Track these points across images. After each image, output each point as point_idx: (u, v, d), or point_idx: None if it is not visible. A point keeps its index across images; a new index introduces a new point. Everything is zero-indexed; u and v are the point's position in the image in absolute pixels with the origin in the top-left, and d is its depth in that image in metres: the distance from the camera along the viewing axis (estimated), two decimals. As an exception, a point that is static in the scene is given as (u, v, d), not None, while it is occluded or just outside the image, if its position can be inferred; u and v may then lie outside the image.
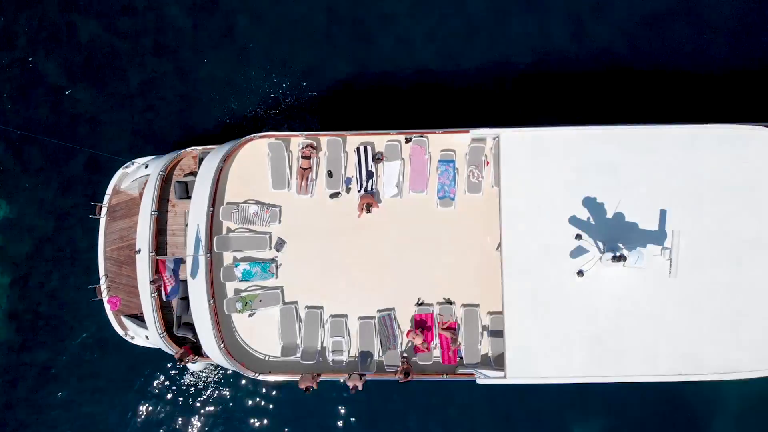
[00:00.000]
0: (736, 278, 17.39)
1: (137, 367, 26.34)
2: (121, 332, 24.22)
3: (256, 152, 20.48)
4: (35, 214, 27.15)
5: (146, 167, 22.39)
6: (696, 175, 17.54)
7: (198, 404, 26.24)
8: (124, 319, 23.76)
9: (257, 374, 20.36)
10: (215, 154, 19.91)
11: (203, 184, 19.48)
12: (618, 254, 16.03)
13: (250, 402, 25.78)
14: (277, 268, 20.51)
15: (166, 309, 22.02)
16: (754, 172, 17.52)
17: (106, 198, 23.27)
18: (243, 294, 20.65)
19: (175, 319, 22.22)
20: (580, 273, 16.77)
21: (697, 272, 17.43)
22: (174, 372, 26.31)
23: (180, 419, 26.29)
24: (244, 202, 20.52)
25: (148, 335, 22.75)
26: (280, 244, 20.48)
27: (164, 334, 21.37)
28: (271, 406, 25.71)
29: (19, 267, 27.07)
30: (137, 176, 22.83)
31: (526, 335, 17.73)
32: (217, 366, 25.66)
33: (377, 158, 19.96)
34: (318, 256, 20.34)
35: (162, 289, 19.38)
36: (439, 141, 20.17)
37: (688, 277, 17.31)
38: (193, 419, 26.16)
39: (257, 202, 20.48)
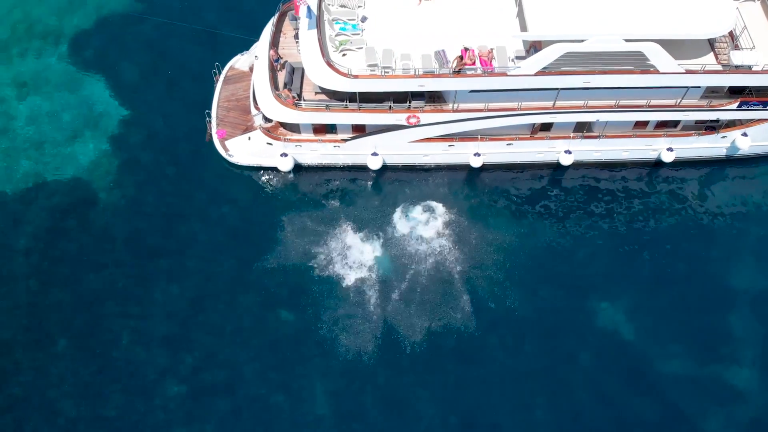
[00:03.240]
0: None
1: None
2: (224, 153, 33.25)
3: None
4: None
5: (255, 57, 33.80)
6: None
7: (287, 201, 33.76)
8: (226, 143, 32.89)
9: (349, 77, 29.10)
10: None
11: None
12: None
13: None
14: (362, 30, 31.34)
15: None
16: None
17: (224, 70, 35.21)
18: (338, 37, 30.85)
19: (282, 84, 31.53)
20: None
21: None
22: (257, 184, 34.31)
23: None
24: (342, 6, 32.15)
25: (251, 137, 31.62)
26: (364, 18, 31.78)
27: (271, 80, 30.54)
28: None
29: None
30: (248, 58, 35.03)
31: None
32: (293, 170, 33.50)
33: None
34: (389, 23, 31.41)
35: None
36: None
37: None
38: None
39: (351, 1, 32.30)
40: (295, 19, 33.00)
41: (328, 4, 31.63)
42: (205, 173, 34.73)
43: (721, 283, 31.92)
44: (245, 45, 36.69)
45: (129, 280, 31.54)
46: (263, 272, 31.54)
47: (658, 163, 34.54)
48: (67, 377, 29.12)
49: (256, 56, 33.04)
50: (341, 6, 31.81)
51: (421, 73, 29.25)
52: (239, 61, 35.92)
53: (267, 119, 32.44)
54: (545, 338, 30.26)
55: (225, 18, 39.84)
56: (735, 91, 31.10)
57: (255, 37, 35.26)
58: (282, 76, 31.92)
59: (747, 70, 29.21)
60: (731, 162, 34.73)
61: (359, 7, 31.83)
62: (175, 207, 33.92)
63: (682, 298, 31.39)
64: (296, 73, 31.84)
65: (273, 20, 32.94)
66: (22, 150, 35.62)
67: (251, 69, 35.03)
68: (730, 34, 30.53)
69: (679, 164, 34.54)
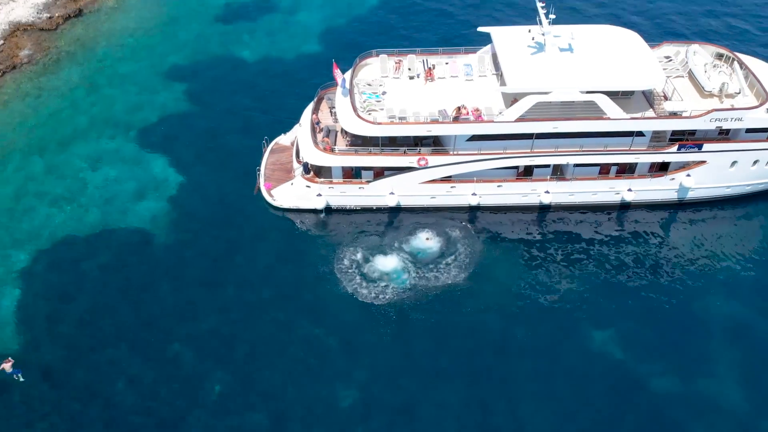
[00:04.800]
0: None
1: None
2: (269, 199, 42.82)
3: (374, 60, 44.42)
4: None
5: (299, 125, 44.74)
6: None
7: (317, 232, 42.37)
8: (272, 192, 43.06)
9: (375, 124, 39.21)
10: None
11: (347, 73, 43.07)
12: None
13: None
14: (383, 100, 42.16)
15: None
16: None
17: (270, 145, 45.94)
18: (365, 102, 41.52)
19: (321, 138, 41.69)
20: None
21: None
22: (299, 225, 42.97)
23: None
24: (368, 84, 43.45)
25: (293, 183, 41.63)
26: (384, 92, 42.82)
27: (313, 136, 40.82)
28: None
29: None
30: (293, 134, 46.11)
31: (517, 58, 39.38)
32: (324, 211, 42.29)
33: (432, 65, 44.60)
34: (403, 95, 42.33)
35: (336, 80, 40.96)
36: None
37: None
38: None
39: (374, 80, 43.60)
40: (331, 99, 44.07)
41: (357, 83, 42.81)
42: (251, 219, 43.00)
43: (695, 312, 38.32)
44: (287, 127, 47.55)
45: (180, 303, 38.32)
46: (298, 294, 38.64)
47: (623, 207, 43.51)
48: (123, 377, 34.97)
49: (300, 124, 43.57)
50: (367, 84, 42.97)
51: (429, 120, 39.46)
52: (282, 138, 46.57)
53: (307, 170, 41.95)
54: (540, 359, 35.97)
55: (269, 106, 51.21)
56: (675, 140, 41.13)
57: (296, 119, 46.14)
58: (320, 136, 42.07)
59: (678, 115, 39.53)
60: (684, 206, 43.74)
61: (380, 86, 42.94)
62: (224, 245, 41.67)
63: (663, 325, 37.69)
64: (331, 133, 42.08)
65: (313, 101, 44.04)
66: (93, 205, 44.14)
67: (292, 143, 45.43)
68: (664, 95, 41.36)
69: (641, 208, 43.44)
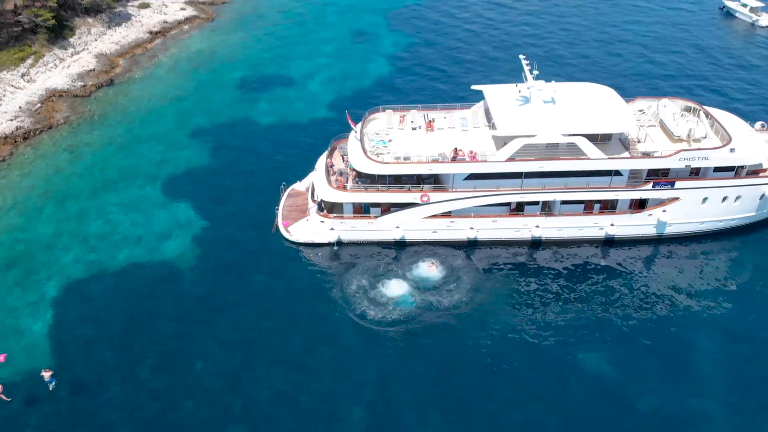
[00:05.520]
0: None
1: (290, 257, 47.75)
2: (286, 234, 47.99)
3: (381, 114, 50.50)
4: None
5: (315, 169, 50.68)
6: None
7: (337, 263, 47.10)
8: (289, 229, 48.05)
9: (382, 163, 44.69)
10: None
11: (358, 125, 49.21)
12: None
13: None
14: (389, 146, 47.87)
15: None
16: None
17: (288, 189, 51.46)
18: (374, 147, 47.16)
19: (335, 178, 47.11)
20: None
21: None
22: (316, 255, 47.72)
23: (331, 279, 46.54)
24: (376, 133, 49.37)
25: (309, 219, 46.92)
26: (390, 140, 48.64)
27: (327, 177, 46.36)
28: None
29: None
30: (308, 181, 51.81)
31: (506, 108, 45.23)
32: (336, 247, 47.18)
33: (432, 118, 50.73)
34: (406, 141, 48.04)
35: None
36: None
37: None
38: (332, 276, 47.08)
39: (381, 130, 49.51)
40: (343, 147, 49.81)
41: (366, 132, 48.69)
42: (269, 253, 47.49)
43: (678, 338, 42.00)
44: (301, 177, 53.04)
45: (201, 326, 42.23)
46: (310, 319, 42.57)
47: (607, 242, 48.29)
48: (147, 392, 38.42)
49: (315, 168, 49.10)
50: (375, 133, 48.85)
51: (430, 160, 44.96)
52: (298, 185, 51.99)
53: (321, 208, 47.04)
54: (533, 382, 39.27)
55: (283, 161, 56.86)
56: (651, 179, 46.42)
57: (308, 170, 51.76)
58: (334, 177, 47.48)
59: (650, 155, 45.09)
60: (663, 241, 48.50)
61: (386, 135, 48.77)
62: (244, 276, 45.96)
63: (650, 351, 41.13)
64: (343, 175, 47.46)
65: (327, 150, 49.81)
66: (123, 244, 48.73)
67: (307, 189, 50.77)
68: (638, 140, 47.09)
69: (624, 243, 48.18)
